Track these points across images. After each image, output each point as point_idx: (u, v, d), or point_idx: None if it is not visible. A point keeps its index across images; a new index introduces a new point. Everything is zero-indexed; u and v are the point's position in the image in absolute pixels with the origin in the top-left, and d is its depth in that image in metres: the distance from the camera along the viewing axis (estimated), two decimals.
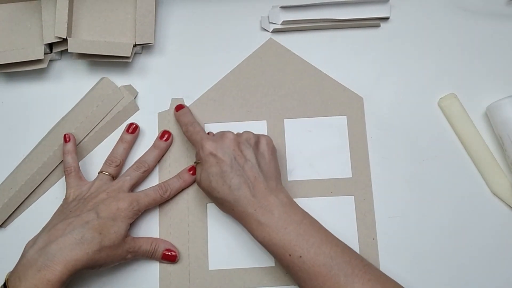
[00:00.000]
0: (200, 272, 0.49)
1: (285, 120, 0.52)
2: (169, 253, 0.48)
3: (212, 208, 0.50)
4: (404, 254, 0.49)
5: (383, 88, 0.53)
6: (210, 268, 0.49)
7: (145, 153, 0.51)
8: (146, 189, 0.49)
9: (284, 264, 0.43)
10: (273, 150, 0.48)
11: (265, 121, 0.52)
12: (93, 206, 0.45)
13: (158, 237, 0.50)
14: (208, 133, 0.50)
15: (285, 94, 0.53)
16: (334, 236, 0.44)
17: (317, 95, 0.53)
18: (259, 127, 0.52)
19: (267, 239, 0.43)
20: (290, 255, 0.42)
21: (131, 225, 0.47)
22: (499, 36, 0.54)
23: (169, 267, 0.49)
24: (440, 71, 0.53)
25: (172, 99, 0.53)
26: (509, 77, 0.53)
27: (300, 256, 0.41)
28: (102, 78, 0.53)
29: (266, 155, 0.47)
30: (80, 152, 0.52)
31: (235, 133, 0.48)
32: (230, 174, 0.44)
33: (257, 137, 0.48)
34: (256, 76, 0.54)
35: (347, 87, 0.53)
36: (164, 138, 0.51)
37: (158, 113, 0.53)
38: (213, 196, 0.46)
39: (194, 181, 0.50)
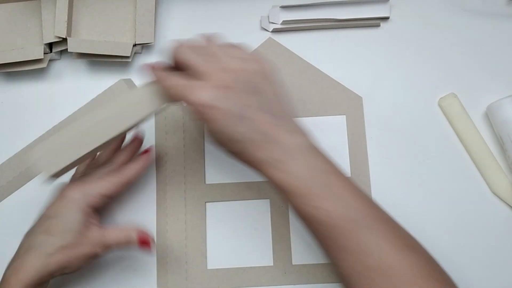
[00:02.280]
0: (199, 271, 0.49)
1: None
2: (143, 236, 0.43)
3: (211, 207, 0.50)
4: None
5: (383, 88, 0.53)
6: (208, 267, 0.49)
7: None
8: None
9: (301, 214, 0.37)
10: (273, 77, 0.39)
11: None
12: (44, 211, 0.43)
13: (155, 235, 0.50)
14: None
15: None
16: (363, 192, 0.38)
17: (316, 94, 0.53)
18: None
19: (285, 185, 0.36)
20: (309, 205, 0.36)
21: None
22: (499, 36, 0.54)
23: (166, 265, 0.49)
24: (440, 71, 0.53)
25: None
26: (509, 77, 0.53)
27: (319, 207, 0.36)
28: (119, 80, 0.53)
29: (268, 88, 0.38)
30: None
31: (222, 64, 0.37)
32: (233, 126, 0.36)
33: (253, 68, 0.38)
34: None
35: (347, 87, 0.53)
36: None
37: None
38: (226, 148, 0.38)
39: (149, 163, 0.48)
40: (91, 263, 0.43)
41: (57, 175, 0.40)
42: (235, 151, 0.37)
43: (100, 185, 0.43)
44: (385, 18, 0.54)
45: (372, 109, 0.52)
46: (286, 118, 0.38)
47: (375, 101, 0.53)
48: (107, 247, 0.42)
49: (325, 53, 0.54)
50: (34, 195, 0.51)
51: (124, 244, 0.43)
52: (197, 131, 0.52)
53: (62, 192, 0.43)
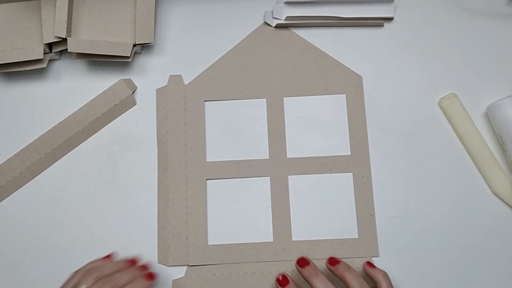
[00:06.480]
0: (200, 246, 0.49)
1: (284, 98, 0.52)
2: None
3: (211, 184, 0.51)
4: (404, 254, 0.49)
5: (383, 87, 0.53)
6: (209, 243, 0.49)
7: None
8: None
9: None
10: None
11: (265, 99, 0.52)
12: None
13: (156, 212, 0.50)
14: None
15: (285, 73, 0.53)
16: None
17: (317, 73, 0.53)
18: (258, 105, 0.52)
19: None
20: None
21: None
22: (499, 36, 0.54)
23: (166, 241, 0.49)
24: (441, 71, 0.53)
25: (170, 75, 0.53)
26: (509, 77, 0.53)
27: None
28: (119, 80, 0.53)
29: None
30: (72, 142, 0.52)
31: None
32: None
33: None
34: (256, 55, 0.54)
35: (346, 66, 0.53)
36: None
37: (156, 89, 0.53)
38: None
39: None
40: None
41: None
42: None
43: None
44: (389, 19, 0.54)
45: (373, 109, 0.52)
46: None
47: (376, 101, 0.53)
48: None
49: (327, 51, 0.54)
50: (34, 195, 0.51)
51: None
52: (198, 109, 0.52)
53: None
